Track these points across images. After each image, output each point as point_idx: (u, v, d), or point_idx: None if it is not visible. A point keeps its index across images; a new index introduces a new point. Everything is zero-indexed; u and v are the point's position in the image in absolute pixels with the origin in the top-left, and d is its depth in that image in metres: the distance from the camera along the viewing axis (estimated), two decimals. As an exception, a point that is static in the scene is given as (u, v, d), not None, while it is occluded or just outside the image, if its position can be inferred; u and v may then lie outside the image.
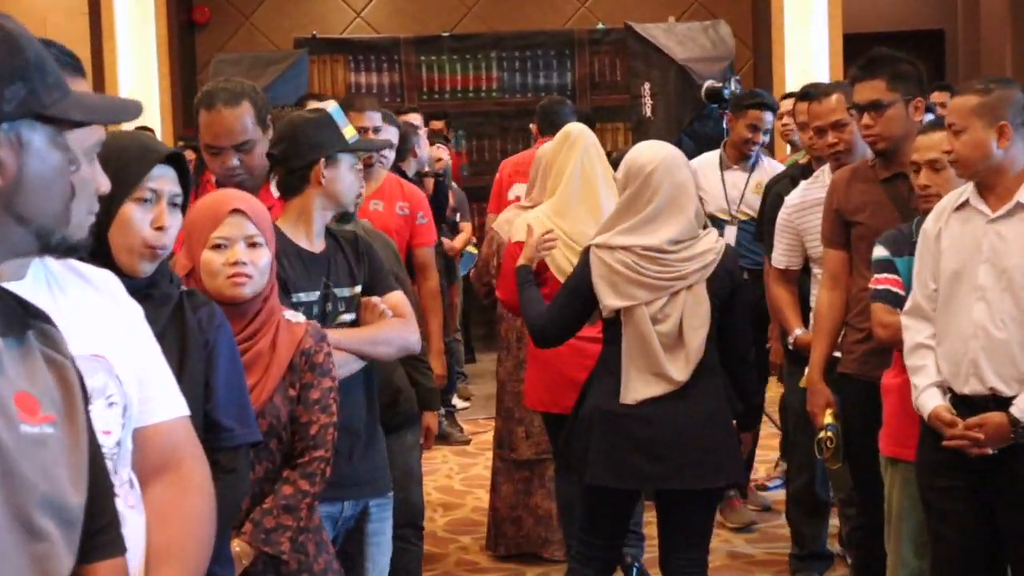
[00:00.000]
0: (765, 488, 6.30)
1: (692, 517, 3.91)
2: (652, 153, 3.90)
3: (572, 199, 4.59)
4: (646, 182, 3.81)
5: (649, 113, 8.51)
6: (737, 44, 9.15)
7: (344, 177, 3.36)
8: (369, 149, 3.48)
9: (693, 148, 7.94)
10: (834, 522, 5.16)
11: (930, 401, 3.46)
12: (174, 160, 2.38)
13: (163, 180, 2.35)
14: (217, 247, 2.78)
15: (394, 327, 3.34)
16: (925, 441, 3.54)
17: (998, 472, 3.39)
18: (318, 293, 3.29)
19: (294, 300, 3.22)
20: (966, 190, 3.49)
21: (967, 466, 3.41)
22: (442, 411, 7.50)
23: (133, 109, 1.74)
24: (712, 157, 6.00)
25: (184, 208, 2.42)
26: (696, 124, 8.11)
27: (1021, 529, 3.41)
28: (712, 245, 3.81)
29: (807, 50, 10.11)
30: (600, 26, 10.77)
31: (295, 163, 3.35)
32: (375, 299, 3.35)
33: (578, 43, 10.49)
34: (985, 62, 10.72)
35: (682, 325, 3.76)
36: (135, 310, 2.07)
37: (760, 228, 5.34)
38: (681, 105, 8.24)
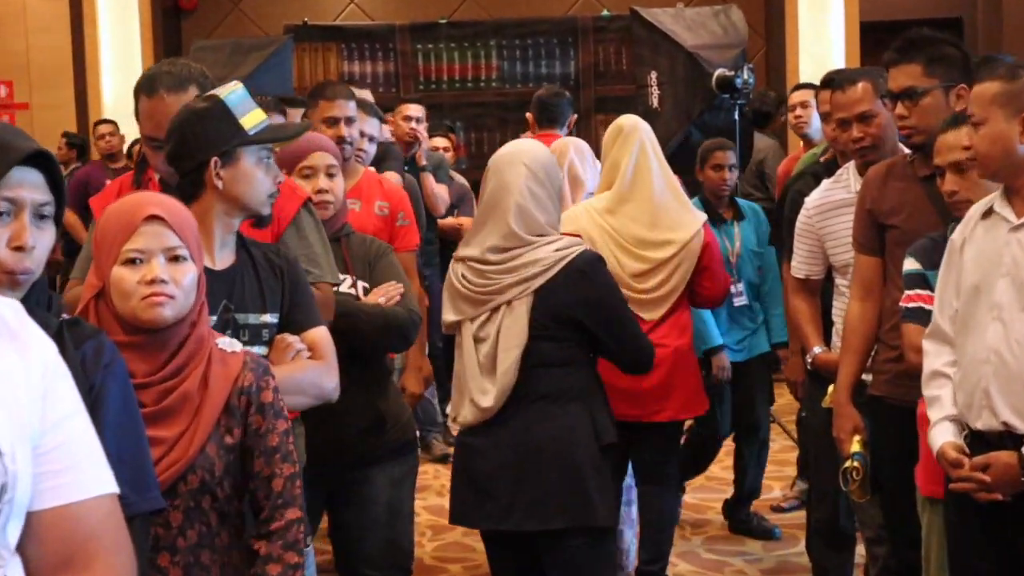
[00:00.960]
0: (781, 510, 5.85)
1: (568, 561, 3.39)
2: (500, 151, 3.54)
3: (623, 195, 4.41)
4: (483, 184, 3.48)
5: (656, 104, 8.07)
6: (748, 32, 8.71)
7: (247, 175, 2.84)
8: (277, 139, 2.96)
9: (703, 141, 7.52)
10: (860, 550, 4.69)
11: (939, 437, 3.04)
12: (40, 160, 1.90)
13: (23, 186, 1.87)
14: (131, 262, 2.32)
15: (307, 371, 2.83)
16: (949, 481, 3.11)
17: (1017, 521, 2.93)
18: (214, 318, 2.77)
19: None
20: (995, 195, 3.06)
21: (992, 513, 2.95)
22: (438, 423, 7.07)
23: None
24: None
25: (59, 220, 1.94)
26: (706, 116, 7.69)
27: None
28: (546, 255, 3.34)
29: (822, 38, 9.89)
30: (605, 13, 10.50)
31: (185, 165, 2.86)
32: (289, 337, 2.85)
33: (582, 31, 10.18)
34: (1007, 53, 10.25)
35: (497, 345, 3.36)
36: (43, 351, 1.60)
37: (779, 232, 4.87)
38: (690, 95, 7.79)
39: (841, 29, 9.86)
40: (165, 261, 2.32)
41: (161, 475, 2.21)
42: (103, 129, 9.09)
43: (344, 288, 3.57)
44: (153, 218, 2.32)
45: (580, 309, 3.36)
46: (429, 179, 6.70)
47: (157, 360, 2.30)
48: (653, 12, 8.34)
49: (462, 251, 3.46)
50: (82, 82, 10.19)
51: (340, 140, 4.24)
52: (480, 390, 3.35)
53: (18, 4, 10.26)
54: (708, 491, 6.11)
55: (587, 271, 3.37)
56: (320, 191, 3.61)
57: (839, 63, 9.23)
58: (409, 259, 4.55)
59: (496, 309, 3.36)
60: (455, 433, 3.57)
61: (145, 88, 3.13)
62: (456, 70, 10.17)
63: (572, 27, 10.19)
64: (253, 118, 2.86)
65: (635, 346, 3.49)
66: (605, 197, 4.45)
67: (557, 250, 3.36)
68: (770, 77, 10.66)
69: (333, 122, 4.38)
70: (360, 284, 3.61)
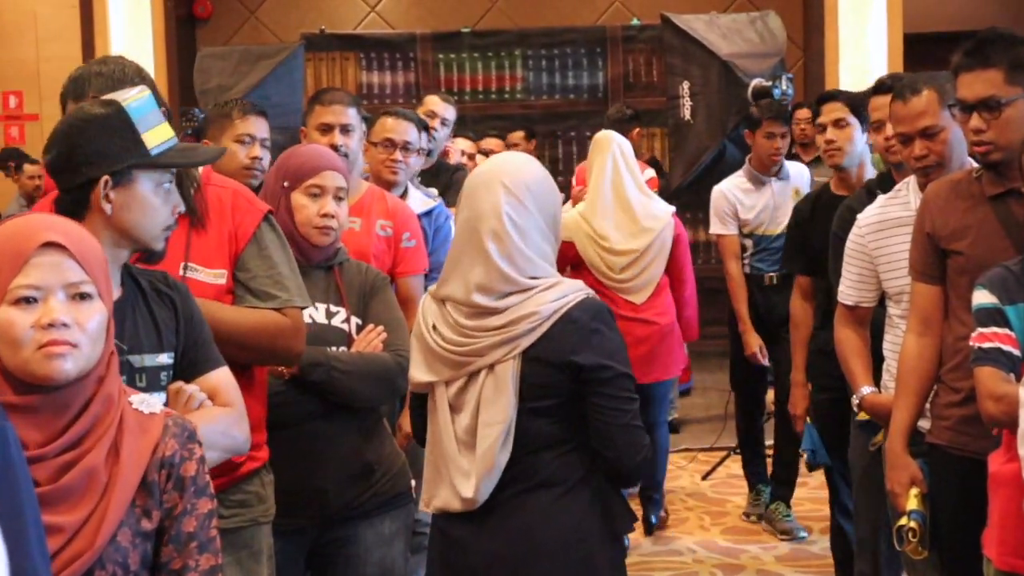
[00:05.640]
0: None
1: None
2: (476, 169, 2.91)
3: (601, 200, 5.28)
4: (457, 212, 2.79)
5: (688, 116, 7.70)
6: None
7: (141, 202, 2.38)
8: (186, 163, 2.47)
9: (739, 156, 7.16)
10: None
11: None
12: None
13: None
14: (22, 301, 1.88)
15: (218, 422, 2.37)
16: None
17: None
18: None
19: None
20: None
21: None
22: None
23: None
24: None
25: None
26: (742, 128, 7.22)
27: None
28: (537, 308, 2.62)
29: (864, 48, 9.51)
30: (635, 22, 10.20)
31: (68, 179, 2.39)
32: (185, 385, 2.40)
33: (611, 40, 9.92)
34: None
35: (477, 420, 2.68)
36: None
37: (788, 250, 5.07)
38: (725, 107, 7.44)
39: (883, 39, 9.46)
40: (66, 299, 1.89)
41: (59, 573, 1.79)
42: None
43: (337, 323, 3.18)
44: (50, 246, 1.89)
45: (569, 370, 2.64)
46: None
47: (54, 427, 1.86)
48: (686, 19, 8.01)
49: (440, 290, 2.76)
50: (90, 93, 9.89)
51: (333, 149, 3.85)
52: (460, 472, 2.70)
53: (28, 12, 9.97)
54: (727, 486, 6.45)
55: (585, 321, 2.64)
56: (325, 215, 3.21)
57: (882, 74, 8.84)
58: (413, 285, 4.13)
59: (476, 373, 2.68)
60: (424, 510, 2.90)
61: (72, 93, 2.68)
62: (479, 81, 9.92)
63: (601, 36, 9.95)
64: (159, 134, 2.38)
65: (626, 439, 2.66)
66: (585, 205, 5.35)
67: (553, 300, 2.63)
68: (807, 89, 10.28)
69: (326, 129, 4.01)
70: (354, 320, 3.20)
